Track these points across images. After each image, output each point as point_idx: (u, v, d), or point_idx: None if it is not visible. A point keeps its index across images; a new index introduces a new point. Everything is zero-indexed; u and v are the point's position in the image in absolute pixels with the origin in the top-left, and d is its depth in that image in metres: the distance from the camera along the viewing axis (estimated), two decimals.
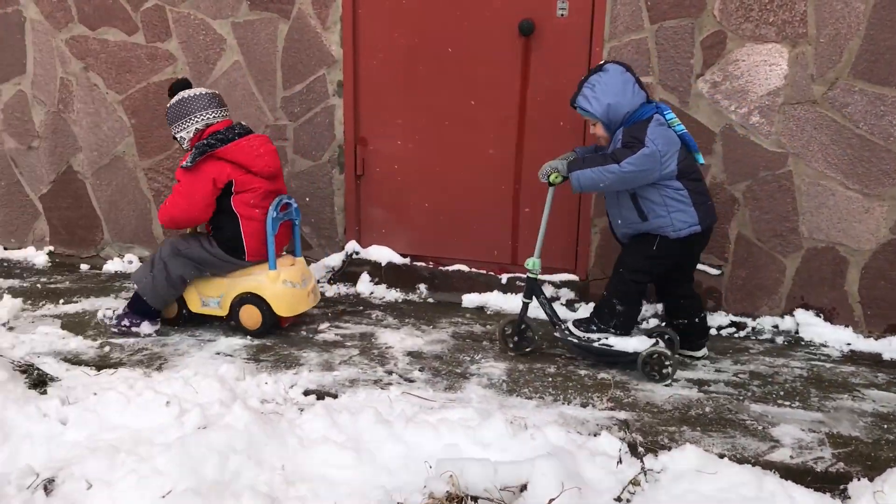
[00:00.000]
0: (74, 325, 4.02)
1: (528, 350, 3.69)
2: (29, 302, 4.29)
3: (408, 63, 4.35)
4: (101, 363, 3.56)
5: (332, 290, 4.56)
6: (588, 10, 4.08)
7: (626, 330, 3.49)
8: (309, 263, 4.60)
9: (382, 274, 4.53)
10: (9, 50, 4.87)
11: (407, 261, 4.57)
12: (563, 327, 3.58)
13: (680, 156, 3.34)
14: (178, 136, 3.79)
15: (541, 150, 4.22)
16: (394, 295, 4.51)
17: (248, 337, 3.87)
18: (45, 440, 2.79)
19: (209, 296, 3.88)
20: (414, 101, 4.38)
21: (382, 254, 4.56)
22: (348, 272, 4.61)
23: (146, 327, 3.84)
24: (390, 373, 3.51)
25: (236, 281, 3.83)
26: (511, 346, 3.71)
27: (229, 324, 3.89)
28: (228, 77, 4.57)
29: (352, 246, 4.63)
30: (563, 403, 3.26)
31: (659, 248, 3.38)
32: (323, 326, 4.04)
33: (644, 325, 4.02)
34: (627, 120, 3.34)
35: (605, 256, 4.27)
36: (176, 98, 3.78)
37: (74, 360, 3.59)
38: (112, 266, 4.93)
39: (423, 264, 4.55)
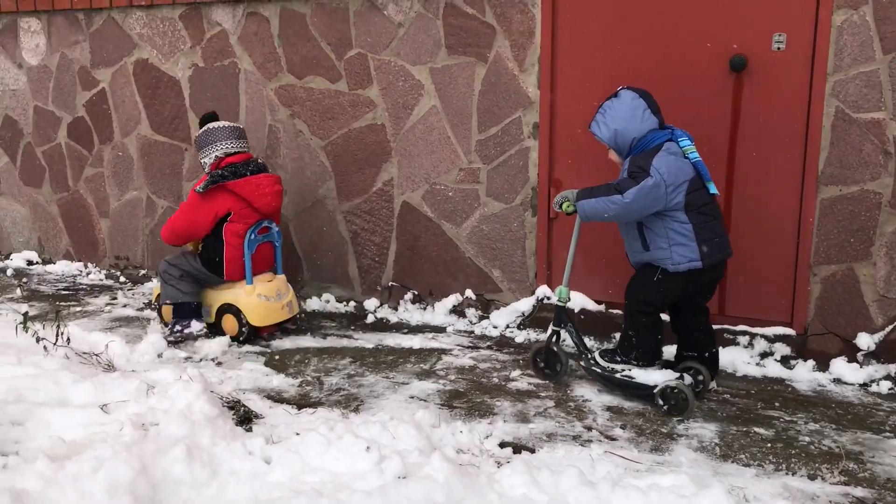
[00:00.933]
0: (278, 362, 4.15)
1: (556, 376, 3.75)
2: (234, 338, 4.48)
3: None
4: (302, 401, 3.63)
5: (521, 336, 4.43)
6: (808, 42, 3.75)
7: (648, 361, 3.45)
8: (497, 307, 4.52)
9: (577, 320, 4.35)
10: (224, 100, 5.20)
11: (601, 307, 4.37)
12: (589, 357, 3.61)
13: (692, 186, 3.27)
14: (202, 161, 4.31)
15: (752, 189, 3.91)
16: (589, 343, 4.31)
17: (440, 381, 3.83)
18: (250, 478, 2.83)
19: (203, 306, 4.42)
20: None
21: (576, 300, 4.38)
22: (538, 318, 4.47)
23: (195, 325, 4.31)
24: (589, 428, 3.32)
25: (221, 293, 4.38)
26: (539, 372, 3.80)
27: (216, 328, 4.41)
28: (425, 122, 4.62)
29: (543, 291, 4.49)
30: (787, 474, 2.93)
31: (660, 280, 3.36)
32: (515, 374, 3.92)
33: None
34: (636, 147, 3.32)
35: (827, 308, 3.86)
36: (203, 128, 4.31)
37: (277, 397, 3.68)
38: (312, 304, 5.08)
39: (620, 311, 4.32)
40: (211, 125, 4.30)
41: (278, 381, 3.88)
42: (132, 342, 4.35)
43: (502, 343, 4.39)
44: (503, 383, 3.83)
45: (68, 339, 3.97)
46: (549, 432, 3.29)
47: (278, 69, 5.01)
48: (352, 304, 5.06)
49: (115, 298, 5.38)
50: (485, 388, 3.78)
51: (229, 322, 4.36)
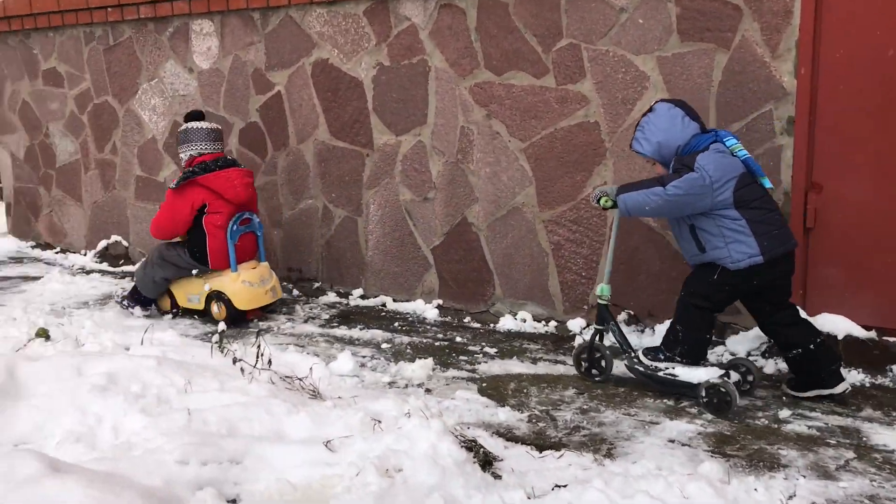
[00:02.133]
0: (493, 390, 3.68)
1: (603, 376, 3.68)
2: (437, 361, 4.04)
3: (887, 89, 3.53)
4: (539, 441, 3.13)
5: (770, 366, 3.80)
6: None
7: (693, 359, 3.36)
8: (735, 331, 3.93)
9: (839, 349, 3.68)
10: (412, 101, 4.80)
11: (873, 334, 3.68)
12: (632, 355, 3.53)
13: (741, 182, 3.20)
14: (180, 156, 4.81)
15: None
16: (856, 377, 3.64)
17: (697, 421, 3.25)
18: None
19: (192, 293, 4.83)
20: (893, 136, 3.54)
21: (838, 325, 3.72)
22: None
23: (138, 311, 4.87)
24: None
25: (209, 281, 4.74)
26: (583, 372, 3.73)
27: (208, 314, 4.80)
28: None
29: None
30: None
31: (720, 277, 3.27)
32: (784, 414, 3.30)
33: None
34: (682, 152, 3.30)
35: None
36: (183, 127, 4.78)
37: (508, 435, 3.20)
38: (505, 323, 4.61)
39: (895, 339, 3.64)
40: (190, 125, 4.74)
41: (504, 414, 3.40)
42: (315, 358, 3.98)
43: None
44: (774, 425, 3.22)
45: (269, 361, 3.62)
46: (868, 493, 2.66)
47: (474, 65, 4.56)
48: (552, 323, 4.55)
49: (293, 313, 5.06)
50: (755, 431, 3.18)
51: (218, 307, 4.74)
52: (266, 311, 4.93)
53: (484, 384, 3.78)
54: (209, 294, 4.74)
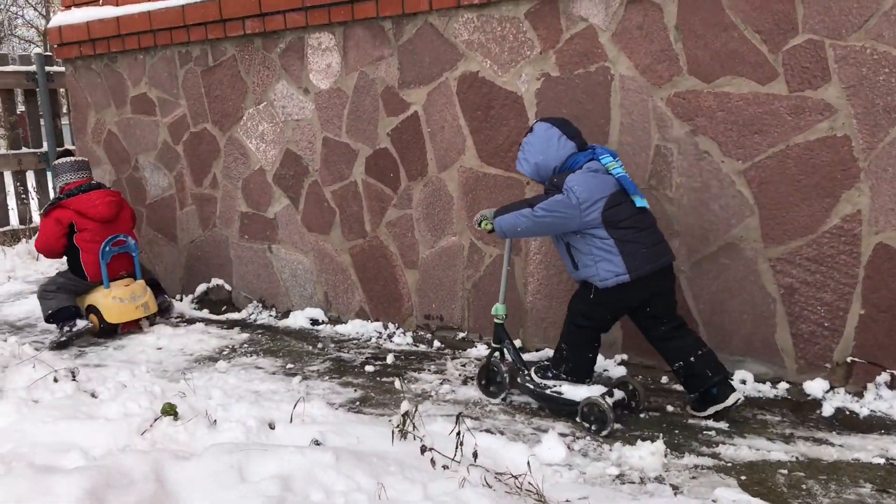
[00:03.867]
0: (760, 486, 2.85)
1: (499, 394, 3.75)
2: (664, 441, 3.21)
3: None
4: None
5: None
6: None
7: (578, 377, 3.45)
8: None
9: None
10: (588, 117, 4.01)
11: None
12: (525, 373, 3.60)
13: (612, 201, 3.26)
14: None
15: None
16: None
17: None
18: None
19: (81, 307, 5.23)
20: None
21: None
22: None
23: (80, 322, 5.08)
24: None
25: (86, 297, 5.24)
26: (483, 391, 3.79)
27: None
28: None
29: None
30: None
31: (595, 296, 3.35)
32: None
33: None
34: (558, 172, 3.36)
35: None
36: (53, 163, 5.44)
37: None
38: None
39: None
40: (58, 161, 5.42)
41: None
42: (514, 441, 3.19)
43: None
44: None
45: (475, 453, 2.82)
46: None
47: (674, 71, 3.76)
48: (781, 385, 3.70)
49: (443, 372, 4.28)
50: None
51: (93, 319, 5.17)
52: (133, 324, 5.27)
53: (742, 477, 2.94)
54: (87, 307, 5.22)
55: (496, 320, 3.74)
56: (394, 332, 4.95)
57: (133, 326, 5.28)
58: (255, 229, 5.53)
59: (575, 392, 3.39)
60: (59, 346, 5.01)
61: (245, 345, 4.98)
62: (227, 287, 5.80)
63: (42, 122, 8.65)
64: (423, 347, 4.74)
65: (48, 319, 5.18)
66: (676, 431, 3.35)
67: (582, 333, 3.44)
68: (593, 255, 3.30)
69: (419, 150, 4.66)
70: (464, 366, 4.37)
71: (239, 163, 5.54)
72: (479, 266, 4.56)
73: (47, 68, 8.43)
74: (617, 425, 3.34)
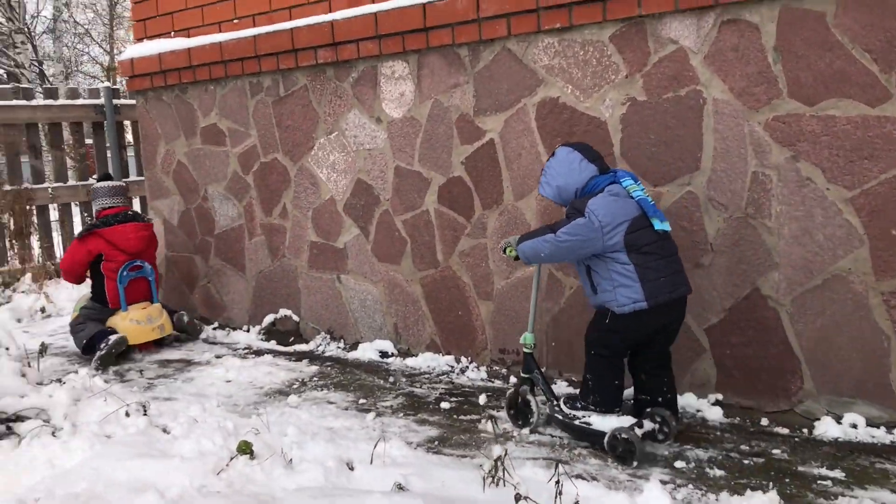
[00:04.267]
0: None
1: (529, 425, 3.69)
2: (775, 491, 2.95)
3: None
4: None
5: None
6: None
7: (607, 407, 3.40)
8: None
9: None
10: (678, 143, 3.82)
11: None
12: (554, 404, 3.58)
13: (634, 225, 3.26)
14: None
15: None
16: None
17: None
18: None
19: None
20: None
21: None
22: None
23: (112, 337, 5.22)
24: None
25: (107, 321, 5.41)
26: (511, 420, 3.75)
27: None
28: None
29: None
30: None
31: (611, 321, 3.33)
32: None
33: None
34: (580, 195, 3.38)
35: None
36: (92, 186, 5.69)
37: None
38: (826, 429, 3.50)
39: None
40: (97, 185, 5.66)
41: None
42: (613, 490, 2.97)
43: None
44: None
45: (577, 502, 2.62)
46: None
47: (773, 94, 3.55)
48: None
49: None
50: None
51: None
52: (150, 344, 5.57)
53: None
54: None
55: (525, 350, 3.70)
56: (467, 367, 4.78)
57: (150, 347, 5.57)
58: (324, 259, 5.44)
59: (603, 423, 3.36)
60: (102, 362, 5.17)
61: (315, 378, 4.86)
62: (295, 318, 5.70)
63: (109, 153, 8.79)
64: (498, 383, 4.56)
65: (84, 350, 5.36)
66: (787, 480, 3.10)
67: (602, 362, 3.40)
68: (613, 279, 3.28)
69: (495, 178, 4.51)
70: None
71: (309, 192, 5.47)
72: (558, 298, 4.37)
73: (114, 101, 8.57)
74: (688, 466, 3.26)
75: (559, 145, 3.55)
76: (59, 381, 4.47)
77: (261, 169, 5.74)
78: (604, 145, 4.06)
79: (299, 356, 5.36)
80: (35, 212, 8.26)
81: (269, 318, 5.85)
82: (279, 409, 4.32)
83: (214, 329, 6.23)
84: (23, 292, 7.71)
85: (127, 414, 4.03)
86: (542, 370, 3.77)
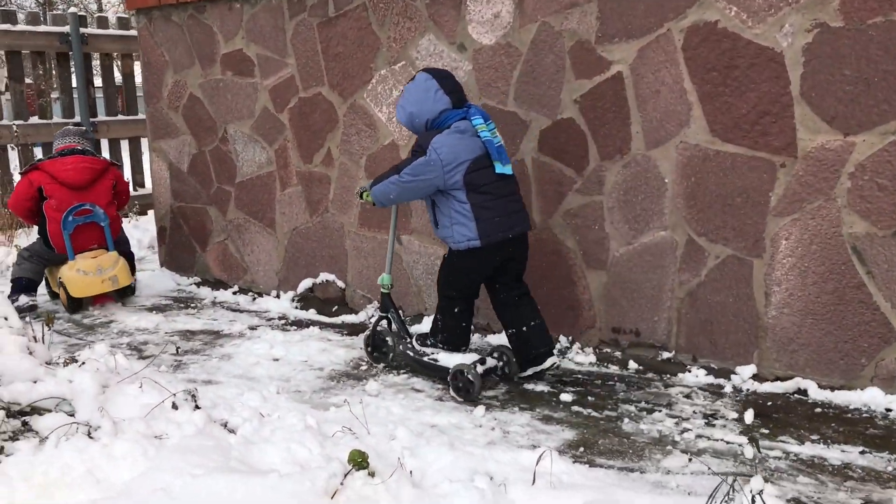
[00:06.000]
0: None
1: (384, 359, 3.84)
2: None
3: None
4: None
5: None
6: None
7: (454, 346, 3.54)
8: None
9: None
10: (887, 79, 3.06)
11: None
12: (407, 341, 3.69)
13: (475, 165, 3.29)
14: None
15: None
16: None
17: None
18: None
19: (53, 281, 5.14)
20: None
21: None
22: None
23: (22, 299, 4.95)
24: None
25: (58, 270, 4.99)
26: (369, 357, 3.88)
27: None
28: None
29: None
30: None
31: (450, 258, 3.47)
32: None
33: None
34: (430, 128, 3.37)
35: None
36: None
37: None
38: None
39: None
40: (61, 130, 5.35)
41: None
42: None
43: None
44: None
45: None
46: None
47: None
48: None
49: (670, 406, 3.34)
50: None
51: (62, 294, 4.92)
52: (105, 297, 5.05)
53: None
54: (59, 281, 4.93)
55: (382, 290, 3.80)
56: (568, 348, 4.02)
57: (105, 300, 5.05)
58: (380, 216, 4.57)
59: (449, 359, 3.48)
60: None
61: None
62: (340, 284, 4.85)
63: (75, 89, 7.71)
64: (614, 369, 3.81)
65: (12, 289, 5.07)
66: None
67: (451, 304, 3.51)
68: (451, 217, 3.34)
69: (620, 121, 3.71)
70: (688, 397, 3.44)
71: (363, 135, 4.58)
72: (698, 269, 3.61)
73: (82, 30, 7.47)
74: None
75: (421, 69, 3.50)
76: (73, 359, 3.55)
77: (299, 106, 4.81)
78: (777, 82, 3.28)
79: (351, 329, 4.53)
80: None
81: (305, 283, 4.98)
82: (356, 396, 3.51)
83: (235, 294, 5.33)
84: None
85: (174, 406, 3.17)
86: (397, 309, 3.85)
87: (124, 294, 5.13)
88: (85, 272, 4.84)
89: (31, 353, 3.46)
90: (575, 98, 3.82)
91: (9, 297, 4.93)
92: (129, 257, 5.28)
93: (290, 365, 4.00)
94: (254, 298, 5.18)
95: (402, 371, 3.84)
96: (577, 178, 3.88)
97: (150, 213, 8.20)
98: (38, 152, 7.88)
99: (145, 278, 5.65)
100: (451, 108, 3.35)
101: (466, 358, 3.47)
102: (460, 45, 4.12)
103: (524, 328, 3.47)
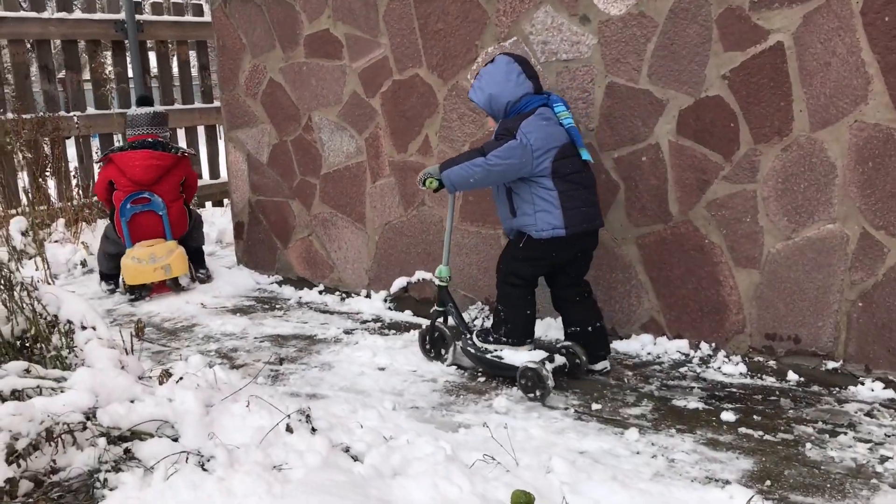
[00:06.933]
0: None
1: (443, 358, 3.64)
2: None
3: None
4: None
5: None
6: None
7: (519, 338, 3.39)
8: None
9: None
10: None
11: None
12: (467, 338, 3.55)
13: (562, 153, 3.22)
14: None
15: None
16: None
17: None
18: None
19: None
20: None
21: None
22: None
23: (103, 286, 5.12)
24: None
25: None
26: (426, 354, 3.71)
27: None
28: None
29: None
30: None
31: (525, 247, 3.31)
32: None
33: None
34: (511, 111, 3.31)
35: None
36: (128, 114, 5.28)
37: None
38: None
39: None
40: (129, 112, 5.19)
41: None
42: None
43: None
44: None
45: None
46: None
47: None
48: None
49: (854, 427, 2.88)
50: None
51: (123, 281, 4.95)
52: (162, 286, 5.00)
53: None
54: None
55: (440, 283, 3.65)
56: (711, 356, 3.57)
57: (163, 290, 4.97)
58: (483, 210, 4.16)
59: (515, 357, 3.33)
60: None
61: None
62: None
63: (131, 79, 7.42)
64: (771, 381, 3.35)
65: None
66: None
67: (516, 293, 3.39)
68: (535, 203, 3.24)
69: (780, 98, 3.23)
70: (870, 415, 2.97)
71: (466, 121, 4.16)
72: (874, 267, 3.14)
73: (137, 17, 7.17)
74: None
75: (499, 53, 3.44)
76: (168, 372, 3.20)
77: (393, 89, 4.41)
78: None
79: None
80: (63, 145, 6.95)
81: (399, 283, 4.58)
82: (483, 414, 3.11)
83: (321, 293, 4.97)
84: (56, 241, 6.38)
85: (289, 429, 2.81)
86: (456, 303, 3.69)
87: (179, 284, 5.02)
88: (139, 260, 4.84)
89: (123, 367, 3.13)
90: (723, 73, 3.35)
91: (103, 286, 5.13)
92: (196, 251, 5.26)
93: (398, 375, 3.62)
94: (342, 298, 4.81)
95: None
96: (725, 163, 3.42)
97: (208, 205, 7.94)
98: (95, 143, 7.60)
99: (223, 275, 5.32)
100: (532, 93, 3.29)
101: (534, 355, 3.30)
102: (583, 16, 3.68)
103: (589, 328, 3.40)
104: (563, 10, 3.73)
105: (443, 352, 3.66)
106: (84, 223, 6.77)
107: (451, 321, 3.67)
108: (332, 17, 4.59)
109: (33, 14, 6.71)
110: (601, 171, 3.75)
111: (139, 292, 4.94)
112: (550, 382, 3.17)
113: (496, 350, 3.42)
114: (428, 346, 3.71)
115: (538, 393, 3.19)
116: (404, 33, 4.31)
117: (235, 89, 5.23)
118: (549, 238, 3.24)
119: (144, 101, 5.31)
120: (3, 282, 3.30)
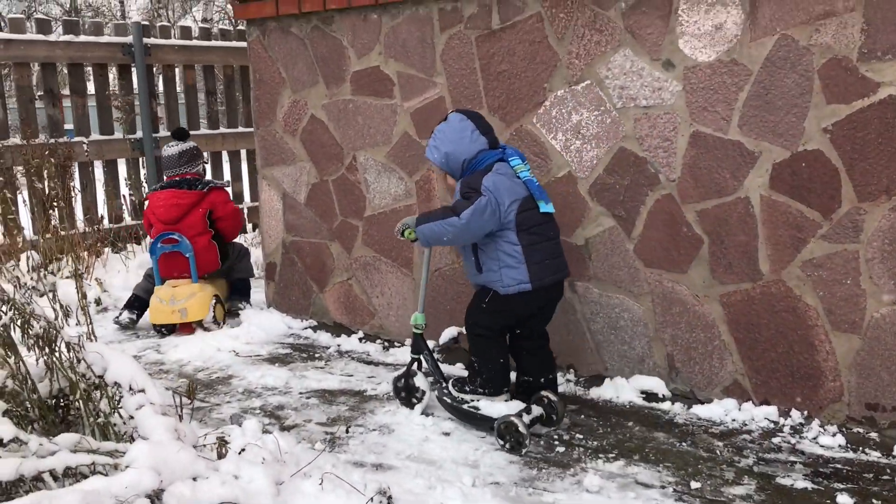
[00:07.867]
0: None
1: (417, 405, 3.59)
2: None
3: None
4: None
5: None
6: None
7: (495, 389, 3.39)
8: None
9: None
10: None
11: None
12: (443, 386, 3.53)
13: (524, 206, 3.25)
14: None
15: None
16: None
17: None
18: None
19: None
20: None
21: None
22: None
23: (123, 315, 5.08)
24: None
25: None
26: (401, 401, 3.66)
27: None
28: None
29: None
30: None
31: (491, 302, 3.33)
32: None
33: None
34: (468, 168, 3.34)
35: None
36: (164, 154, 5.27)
37: None
38: None
39: None
40: (163, 153, 5.19)
41: None
42: None
43: None
44: None
45: None
46: None
47: None
48: None
49: None
50: None
51: None
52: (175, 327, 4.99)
53: None
54: None
55: (415, 330, 3.64)
56: (804, 425, 3.33)
57: (187, 329, 4.92)
58: None
59: (492, 408, 3.33)
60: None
61: (575, 432, 3.39)
62: None
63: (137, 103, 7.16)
64: (876, 455, 3.11)
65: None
66: None
67: (487, 343, 3.38)
68: (499, 259, 3.26)
69: (889, 155, 3.04)
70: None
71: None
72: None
73: (145, 40, 6.95)
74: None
75: (452, 111, 3.43)
76: (223, 440, 2.93)
77: None
78: None
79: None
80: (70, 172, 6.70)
81: (449, 332, 4.30)
82: (574, 494, 2.88)
83: (361, 341, 4.70)
84: (67, 277, 6.04)
85: None
86: (431, 352, 3.65)
87: (203, 325, 4.98)
88: (161, 300, 4.89)
89: (179, 438, 2.84)
90: (825, 126, 3.15)
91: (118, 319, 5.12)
92: (240, 284, 5.37)
93: (467, 442, 3.35)
94: (385, 348, 4.55)
95: (610, 454, 3.17)
96: (824, 221, 3.21)
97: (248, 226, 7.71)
98: (99, 168, 7.31)
99: (252, 318, 5.03)
100: (487, 149, 3.31)
101: (511, 407, 3.30)
102: (666, 61, 3.47)
103: (542, 379, 3.44)
104: (645, 54, 3.53)
105: (413, 400, 3.61)
106: (96, 257, 6.48)
107: (425, 367, 3.64)
108: (384, 55, 4.37)
109: (40, 37, 6.48)
110: (682, 224, 3.54)
111: (161, 329, 4.96)
112: (527, 438, 3.17)
113: (472, 401, 3.41)
114: (403, 393, 3.66)
115: (511, 445, 3.20)
116: (464, 73, 4.09)
117: (272, 125, 4.98)
118: (515, 293, 3.25)
119: (179, 134, 5.23)
120: (43, 338, 3.01)
